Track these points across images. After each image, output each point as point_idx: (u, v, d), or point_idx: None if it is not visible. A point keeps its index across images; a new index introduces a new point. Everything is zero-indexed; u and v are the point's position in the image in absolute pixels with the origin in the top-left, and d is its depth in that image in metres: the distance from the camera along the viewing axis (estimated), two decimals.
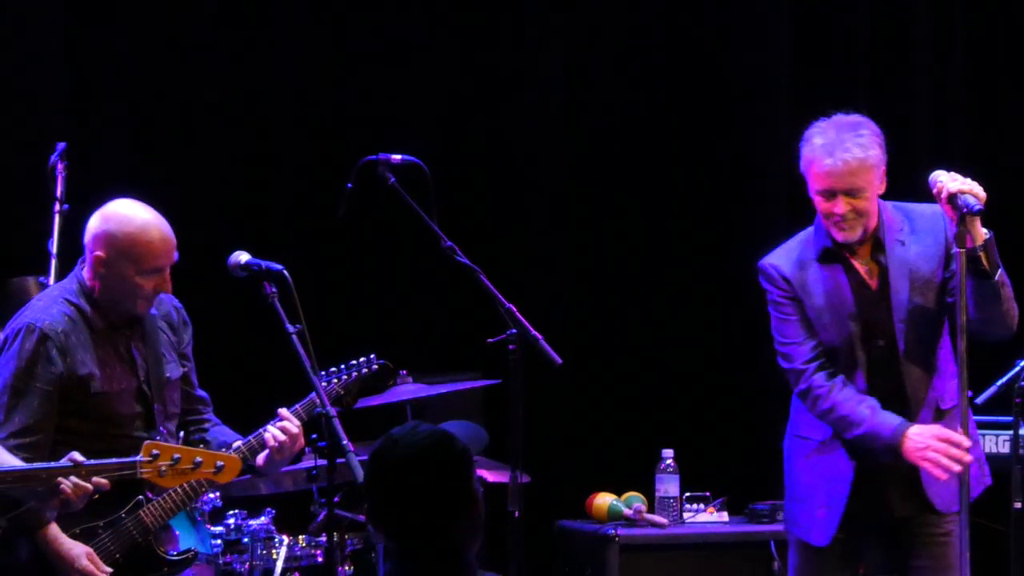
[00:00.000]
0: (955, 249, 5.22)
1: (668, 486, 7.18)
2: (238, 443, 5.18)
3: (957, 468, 5.22)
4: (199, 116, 7.31)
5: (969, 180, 5.25)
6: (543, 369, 5.38)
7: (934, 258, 5.44)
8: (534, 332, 5.37)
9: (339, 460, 4.86)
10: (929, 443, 5.29)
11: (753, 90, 8.00)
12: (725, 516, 7.22)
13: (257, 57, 7.42)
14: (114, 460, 4.86)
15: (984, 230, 5.23)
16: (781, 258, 5.66)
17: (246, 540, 6.15)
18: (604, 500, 7.15)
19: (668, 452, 7.15)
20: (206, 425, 5.38)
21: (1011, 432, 5.67)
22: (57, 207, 6.01)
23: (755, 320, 8.00)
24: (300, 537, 6.22)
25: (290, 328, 4.96)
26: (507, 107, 7.81)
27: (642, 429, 7.78)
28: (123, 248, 5.11)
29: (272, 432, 5.17)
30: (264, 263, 5.10)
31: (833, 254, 5.55)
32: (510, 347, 5.37)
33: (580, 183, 7.99)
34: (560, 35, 7.86)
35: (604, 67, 7.93)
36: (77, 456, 4.75)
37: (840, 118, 5.48)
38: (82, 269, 5.21)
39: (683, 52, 7.99)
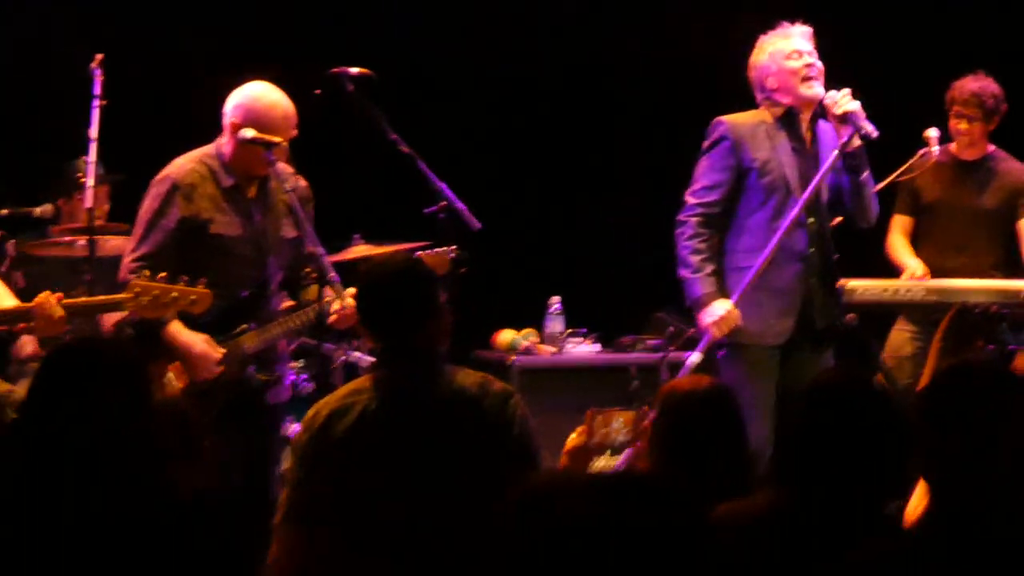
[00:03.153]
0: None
1: (555, 325, 7.98)
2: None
3: None
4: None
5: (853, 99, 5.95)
6: (466, 233, 5.93)
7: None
8: (459, 203, 5.91)
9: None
10: None
11: None
12: (598, 347, 7.98)
13: None
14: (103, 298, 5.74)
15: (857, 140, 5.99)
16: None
17: None
18: (506, 336, 7.97)
19: (555, 298, 7.97)
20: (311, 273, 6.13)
21: None
22: (96, 103, 6.53)
23: (645, 181, 8.67)
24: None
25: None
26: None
27: (535, 279, 8.30)
28: (253, 118, 5.92)
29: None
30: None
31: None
32: (440, 215, 5.94)
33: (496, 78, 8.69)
34: None
35: None
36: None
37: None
38: (220, 138, 6.02)
39: None
